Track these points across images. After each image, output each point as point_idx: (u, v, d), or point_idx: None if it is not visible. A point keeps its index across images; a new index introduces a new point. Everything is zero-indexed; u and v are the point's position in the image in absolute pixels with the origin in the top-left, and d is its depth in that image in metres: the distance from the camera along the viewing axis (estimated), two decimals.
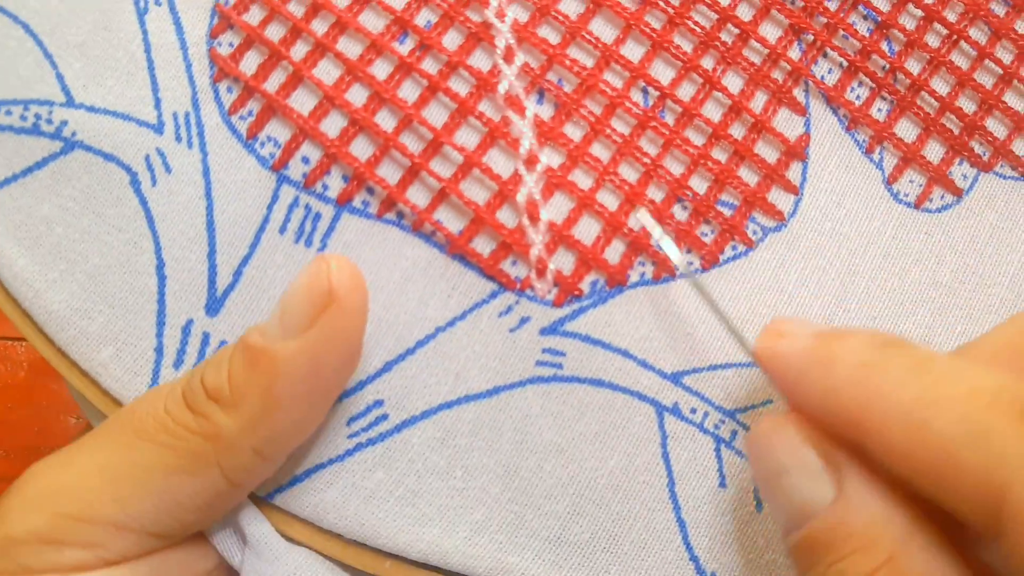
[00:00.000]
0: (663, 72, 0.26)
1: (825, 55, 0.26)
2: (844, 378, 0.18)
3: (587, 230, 0.25)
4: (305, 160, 0.25)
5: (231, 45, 0.26)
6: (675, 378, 0.24)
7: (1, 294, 0.25)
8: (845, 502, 0.18)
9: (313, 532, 0.24)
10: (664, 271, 0.25)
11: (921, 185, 0.26)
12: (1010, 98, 0.26)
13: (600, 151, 0.25)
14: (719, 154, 0.25)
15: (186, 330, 0.24)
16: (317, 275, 0.21)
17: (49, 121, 0.25)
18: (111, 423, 0.22)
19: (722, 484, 0.24)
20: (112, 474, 0.21)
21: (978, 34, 0.26)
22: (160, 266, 0.25)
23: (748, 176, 0.26)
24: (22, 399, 0.66)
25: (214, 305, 0.25)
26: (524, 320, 0.25)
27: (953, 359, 0.18)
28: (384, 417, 0.24)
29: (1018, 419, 0.16)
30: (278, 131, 0.25)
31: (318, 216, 0.25)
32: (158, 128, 0.25)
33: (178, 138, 0.25)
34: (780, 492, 0.20)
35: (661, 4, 0.26)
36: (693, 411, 0.24)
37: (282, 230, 0.25)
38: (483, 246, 0.25)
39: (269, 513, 0.24)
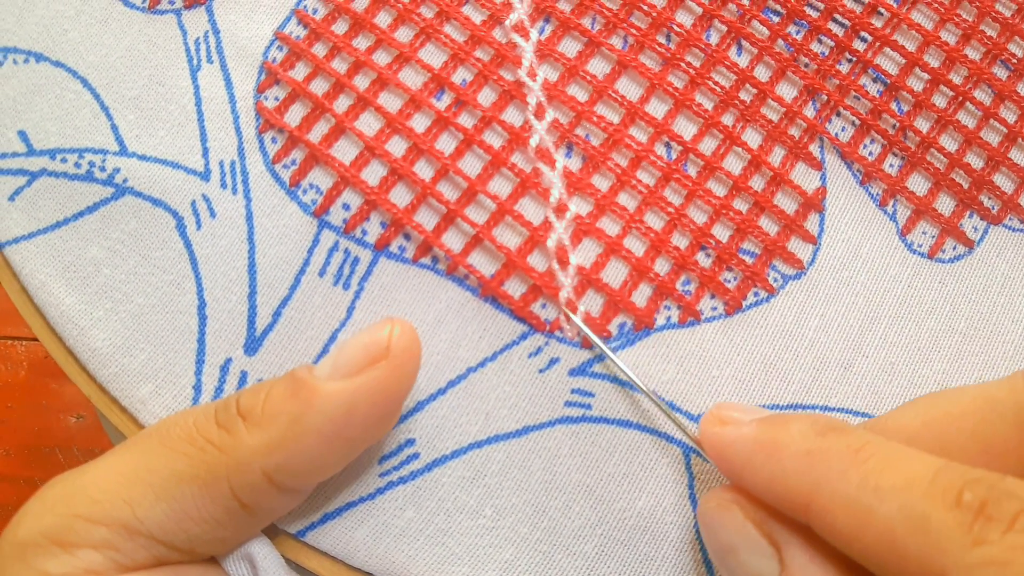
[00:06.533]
0: (686, 128, 0.27)
1: (839, 114, 0.28)
2: (789, 467, 0.19)
3: (615, 274, 0.26)
4: (346, 207, 0.26)
5: (277, 99, 0.27)
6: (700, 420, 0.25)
7: (47, 333, 0.26)
8: None
9: (342, 569, 0.24)
10: (690, 315, 0.26)
11: (934, 236, 0.27)
12: (1016, 155, 0.27)
13: (627, 200, 0.26)
14: (740, 204, 0.27)
15: (224, 368, 0.25)
16: (379, 331, 0.22)
17: (102, 168, 0.26)
18: (142, 433, 0.23)
19: None
20: (127, 478, 0.21)
21: (983, 96, 0.28)
22: (201, 306, 0.26)
23: (768, 226, 0.27)
24: (22, 399, 0.65)
25: (253, 344, 0.25)
26: (553, 361, 0.25)
27: (887, 445, 0.19)
28: (415, 456, 0.25)
29: (953, 506, 0.17)
30: (320, 179, 0.26)
31: (356, 260, 0.26)
32: (205, 175, 0.26)
33: (223, 185, 0.26)
34: (730, 568, 0.21)
35: (683, 65, 0.28)
36: None
37: (321, 273, 0.26)
38: (514, 289, 0.26)
39: (297, 549, 0.24)
